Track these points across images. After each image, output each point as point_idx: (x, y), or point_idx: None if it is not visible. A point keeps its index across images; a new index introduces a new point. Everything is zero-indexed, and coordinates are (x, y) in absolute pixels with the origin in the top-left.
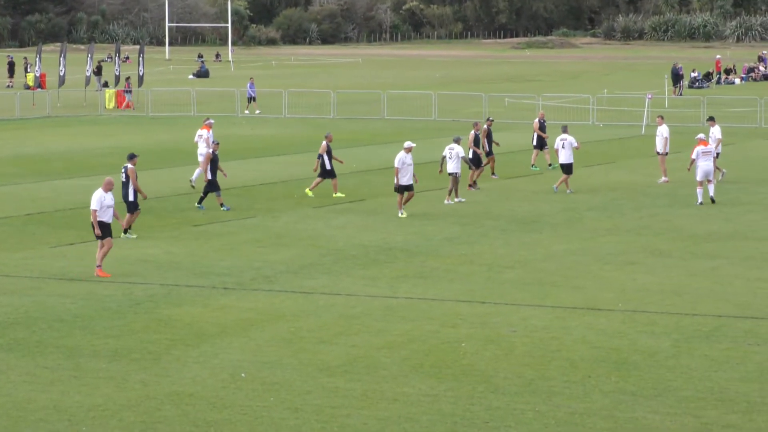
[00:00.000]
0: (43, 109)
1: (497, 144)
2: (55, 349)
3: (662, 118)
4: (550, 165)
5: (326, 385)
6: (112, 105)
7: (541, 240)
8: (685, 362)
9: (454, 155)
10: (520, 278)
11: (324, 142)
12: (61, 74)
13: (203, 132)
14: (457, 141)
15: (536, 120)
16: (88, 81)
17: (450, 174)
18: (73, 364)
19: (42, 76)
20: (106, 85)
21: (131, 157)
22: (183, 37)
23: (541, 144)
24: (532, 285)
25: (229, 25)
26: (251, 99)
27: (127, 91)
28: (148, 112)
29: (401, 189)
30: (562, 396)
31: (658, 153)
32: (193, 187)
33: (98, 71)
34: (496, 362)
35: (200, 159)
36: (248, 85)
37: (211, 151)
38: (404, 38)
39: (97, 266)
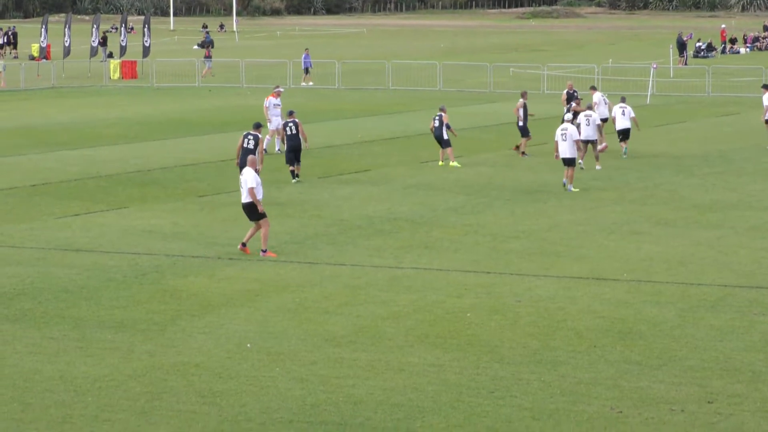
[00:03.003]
0: (48, 80)
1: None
2: (60, 320)
3: (624, 99)
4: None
5: (332, 355)
6: (116, 76)
7: (546, 210)
8: (690, 332)
9: (591, 122)
10: (525, 248)
11: (441, 114)
12: (66, 45)
13: (272, 99)
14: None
15: (564, 92)
16: (94, 52)
17: (586, 142)
18: (79, 334)
19: (48, 46)
20: (111, 55)
21: (258, 126)
22: (187, 8)
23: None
24: (537, 255)
25: None
26: (307, 70)
27: (207, 58)
28: (152, 83)
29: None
30: (568, 366)
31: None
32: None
33: (103, 42)
34: (501, 332)
35: (270, 127)
36: (303, 56)
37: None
38: (409, 8)
39: (263, 251)
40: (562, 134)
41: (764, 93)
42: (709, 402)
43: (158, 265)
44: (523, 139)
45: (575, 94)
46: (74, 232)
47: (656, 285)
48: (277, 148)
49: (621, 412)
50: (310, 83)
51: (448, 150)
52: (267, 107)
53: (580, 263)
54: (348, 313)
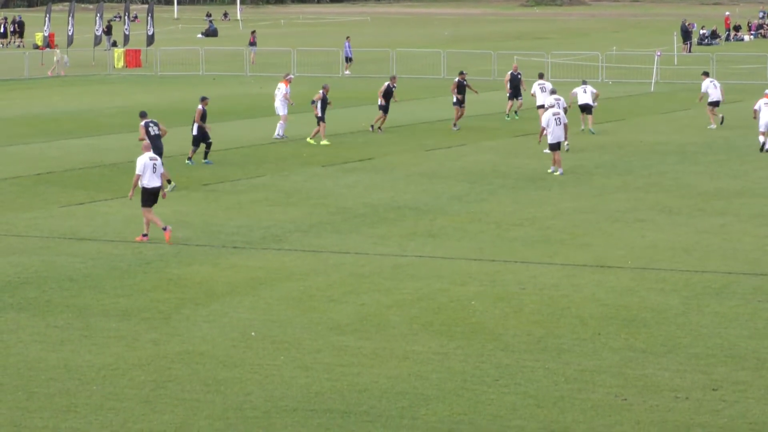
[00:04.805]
0: (52, 68)
1: (476, 92)
2: (65, 309)
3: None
4: (516, 113)
5: (336, 343)
6: (120, 64)
7: (550, 197)
8: (694, 319)
9: (560, 105)
10: (529, 236)
11: (321, 92)
12: (70, 34)
13: (281, 86)
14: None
15: (509, 73)
16: (98, 40)
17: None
18: (84, 323)
19: (51, 35)
20: (114, 44)
21: (146, 114)
22: None
23: (516, 94)
24: (541, 243)
25: None
26: (348, 59)
27: (251, 44)
28: (156, 72)
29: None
30: (572, 353)
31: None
32: (278, 137)
33: (108, 31)
34: (505, 320)
35: (278, 112)
36: (345, 44)
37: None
38: None
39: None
40: (555, 119)
41: (704, 80)
42: (713, 389)
43: (162, 254)
44: (383, 116)
45: (519, 76)
46: (78, 221)
47: (660, 272)
48: (276, 134)
49: (626, 399)
50: (347, 72)
51: (320, 126)
52: (286, 94)
53: (585, 251)
54: (352, 302)
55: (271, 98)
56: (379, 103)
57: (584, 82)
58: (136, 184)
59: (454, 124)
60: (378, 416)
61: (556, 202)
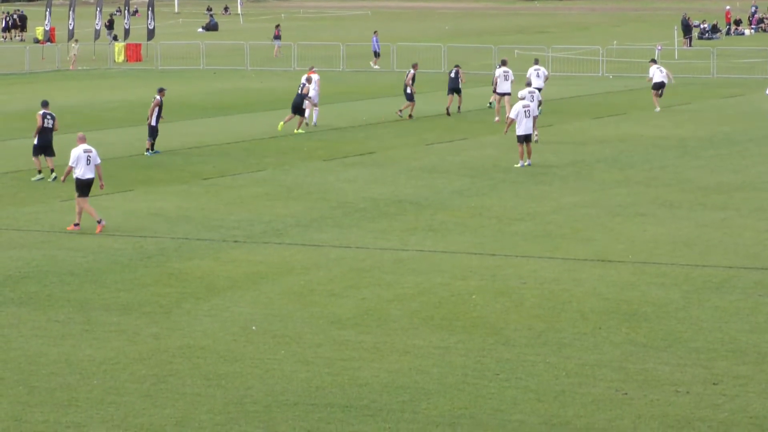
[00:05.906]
0: (53, 62)
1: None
2: (66, 303)
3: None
4: (490, 104)
5: (337, 337)
6: (121, 59)
7: (551, 192)
8: (695, 313)
9: (535, 98)
10: (530, 230)
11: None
12: (71, 28)
13: (314, 76)
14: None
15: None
16: (97, 35)
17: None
18: (85, 317)
19: (51, 29)
20: (116, 38)
21: (47, 104)
22: None
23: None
24: (542, 237)
25: None
26: (377, 53)
27: (276, 38)
28: (157, 66)
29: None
30: (573, 347)
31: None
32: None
33: (110, 25)
34: (506, 314)
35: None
36: (373, 39)
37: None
38: None
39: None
40: (525, 111)
41: (651, 66)
42: (714, 383)
43: (163, 248)
44: (411, 104)
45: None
46: None
47: (661, 267)
48: (313, 122)
49: (626, 393)
50: (376, 66)
51: (300, 118)
52: (317, 82)
53: (585, 245)
54: (353, 296)
55: (271, 92)
56: (407, 91)
57: (536, 62)
58: (68, 174)
59: (451, 112)
60: (379, 410)
61: (556, 196)
